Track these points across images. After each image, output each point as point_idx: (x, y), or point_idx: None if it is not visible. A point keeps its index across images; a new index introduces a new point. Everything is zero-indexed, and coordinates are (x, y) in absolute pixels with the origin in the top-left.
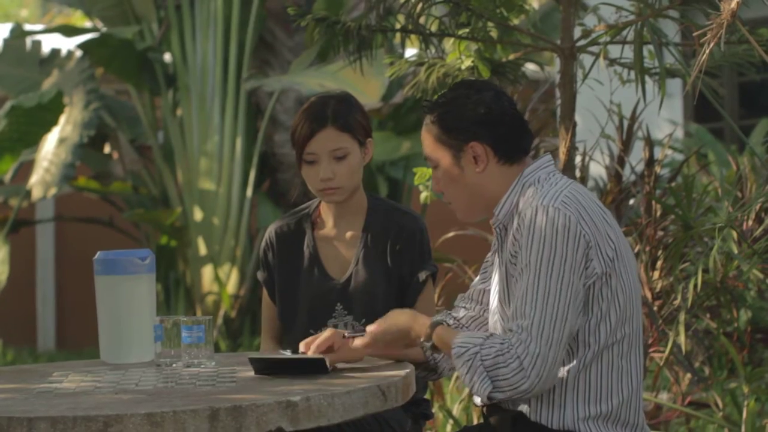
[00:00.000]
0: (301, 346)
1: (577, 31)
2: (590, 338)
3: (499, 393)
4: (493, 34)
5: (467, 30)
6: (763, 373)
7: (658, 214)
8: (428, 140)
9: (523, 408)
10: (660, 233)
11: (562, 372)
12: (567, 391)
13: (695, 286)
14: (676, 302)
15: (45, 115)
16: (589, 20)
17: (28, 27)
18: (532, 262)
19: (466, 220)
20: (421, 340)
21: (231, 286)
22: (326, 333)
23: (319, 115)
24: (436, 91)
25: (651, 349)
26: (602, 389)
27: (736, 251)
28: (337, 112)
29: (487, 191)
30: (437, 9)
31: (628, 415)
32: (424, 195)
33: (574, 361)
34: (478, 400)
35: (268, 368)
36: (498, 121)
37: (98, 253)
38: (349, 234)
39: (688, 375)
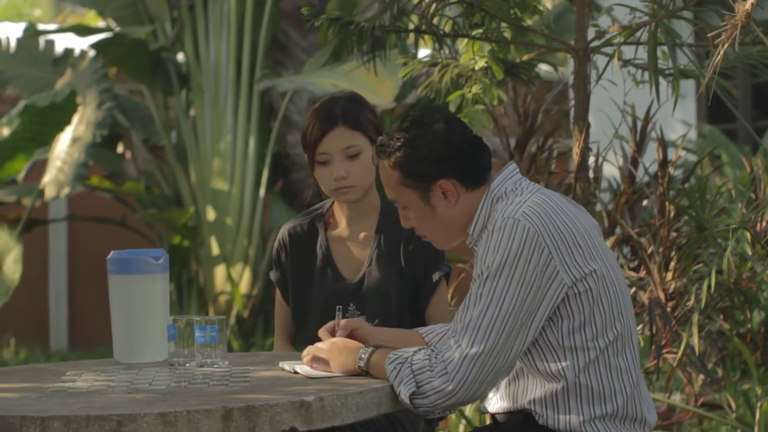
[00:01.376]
0: (321, 333)
1: (591, 32)
2: (575, 341)
3: (422, 398)
4: (507, 34)
5: (481, 31)
6: None
7: (672, 215)
8: (392, 185)
9: (531, 409)
10: (673, 234)
11: (560, 377)
12: (569, 396)
13: (709, 287)
14: (690, 303)
15: (58, 115)
16: (603, 21)
17: (41, 26)
18: (483, 271)
19: (445, 248)
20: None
21: (244, 286)
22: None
23: (329, 115)
24: (449, 92)
25: (664, 350)
26: (604, 389)
27: (749, 252)
28: (347, 110)
29: (462, 219)
30: (451, 9)
31: (634, 410)
32: None
33: (569, 366)
34: (486, 406)
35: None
36: (458, 152)
37: (112, 252)
38: (362, 234)
39: (701, 376)
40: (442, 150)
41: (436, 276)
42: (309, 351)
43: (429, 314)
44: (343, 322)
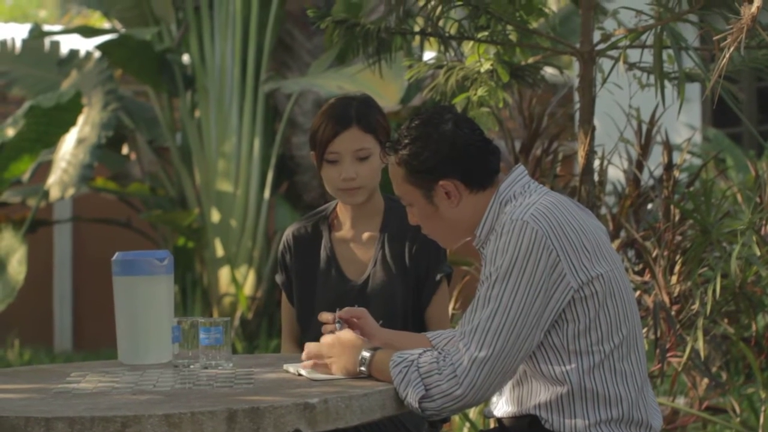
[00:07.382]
0: (322, 317)
1: (597, 35)
2: (580, 345)
3: (430, 402)
4: (513, 37)
5: (486, 33)
6: None
7: (677, 218)
8: (397, 181)
9: (537, 414)
10: (678, 238)
11: (565, 381)
12: (575, 399)
13: (714, 291)
14: (695, 307)
15: (63, 116)
16: (609, 24)
17: (46, 27)
18: (492, 273)
19: (449, 247)
20: (359, 368)
21: (248, 288)
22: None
23: (343, 116)
24: (455, 95)
25: (669, 354)
26: (609, 394)
27: (758, 254)
28: (361, 112)
29: (466, 220)
30: (456, 12)
31: (639, 415)
32: None
33: (574, 370)
34: (491, 410)
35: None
36: (463, 154)
37: (117, 253)
38: (366, 235)
39: (706, 380)
40: (447, 151)
41: (437, 276)
42: (309, 350)
43: (429, 314)
44: (345, 310)
